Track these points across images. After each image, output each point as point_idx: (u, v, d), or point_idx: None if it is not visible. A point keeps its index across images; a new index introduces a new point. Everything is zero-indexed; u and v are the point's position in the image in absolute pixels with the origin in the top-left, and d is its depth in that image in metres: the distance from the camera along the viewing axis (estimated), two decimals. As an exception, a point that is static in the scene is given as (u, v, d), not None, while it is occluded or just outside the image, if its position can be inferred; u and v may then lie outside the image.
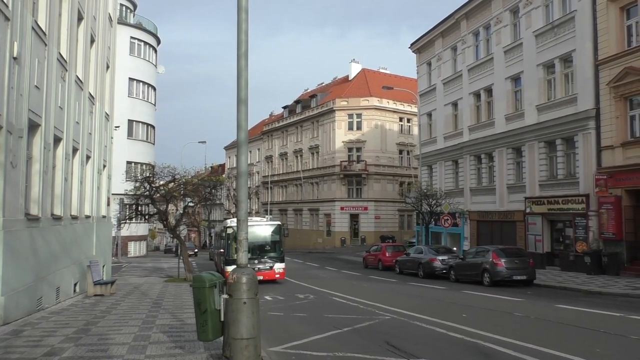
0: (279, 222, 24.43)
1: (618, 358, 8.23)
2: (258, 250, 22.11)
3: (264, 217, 31.48)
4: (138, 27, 49.26)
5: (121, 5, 46.36)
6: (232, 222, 21.73)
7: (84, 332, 9.92)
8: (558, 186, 25.00)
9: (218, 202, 63.25)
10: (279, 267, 22.19)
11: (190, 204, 28.53)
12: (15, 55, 10.94)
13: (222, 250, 25.07)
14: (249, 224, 23.44)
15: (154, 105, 51.97)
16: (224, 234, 22.95)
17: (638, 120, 21.11)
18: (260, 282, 19.95)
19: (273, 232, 23.03)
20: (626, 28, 21.70)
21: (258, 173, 71.49)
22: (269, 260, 22.03)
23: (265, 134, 70.32)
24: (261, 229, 22.93)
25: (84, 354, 8.01)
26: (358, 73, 61.59)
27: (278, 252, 22.58)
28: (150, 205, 25.41)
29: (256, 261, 21.30)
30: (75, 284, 16.79)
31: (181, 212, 27.52)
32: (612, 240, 21.57)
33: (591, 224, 22.67)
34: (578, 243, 23.25)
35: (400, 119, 56.84)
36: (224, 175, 68.70)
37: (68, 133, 15.93)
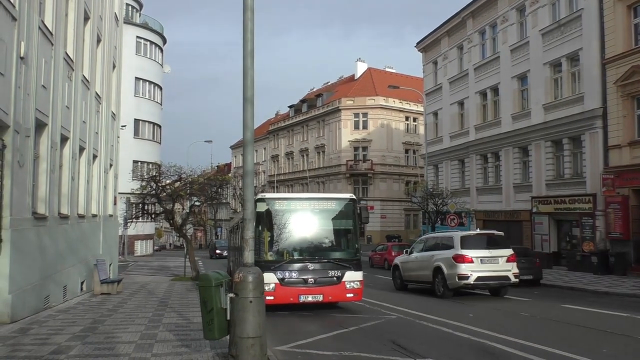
0: (351, 196, 13.60)
1: (625, 358, 8.19)
2: (310, 247, 12.91)
3: None
4: (144, 26, 49.38)
5: (127, 4, 46.46)
6: (265, 194, 13.57)
7: (90, 330, 9.95)
8: (565, 186, 24.90)
9: (224, 201, 63.38)
10: (352, 278, 12.55)
11: (197, 203, 28.58)
12: (22, 55, 11.00)
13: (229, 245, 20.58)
14: (293, 196, 16.45)
15: (160, 104, 52.12)
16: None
17: (646, 119, 21.02)
18: (319, 305, 12.80)
19: (340, 213, 13.17)
20: (633, 27, 21.57)
21: (264, 172, 71.57)
22: (333, 266, 12.53)
23: (271, 133, 70.38)
24: (315, 206, 13.29)
25: (91, 352, 8.04)
26: (364, 72, 61.53)
27: (349, 251, 13.15)
28: (156, 204, 25.48)
29: (309, 265, 12.37)
30: (82, 283, 16.86)
31: (187, 211, 27.58)
32: (619, 240, 21.46)
33: (598, 224, 22.56)
34: (585, 243, 23.14)
35: (406, 118, 56.77)
36: (230, 175, 68.82)
37: (75, 132, 15.99)
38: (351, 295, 12.65)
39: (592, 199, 22.83)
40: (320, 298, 12.37)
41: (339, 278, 12.45)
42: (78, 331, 9.83)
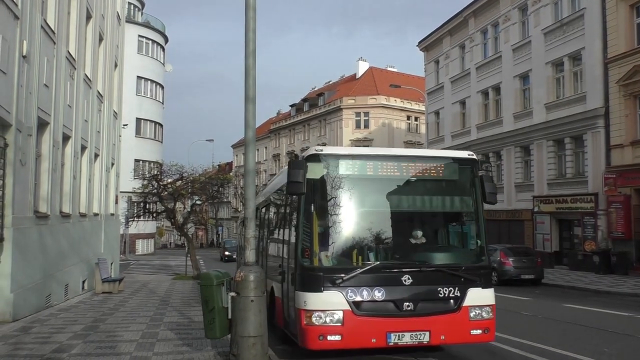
0: (470, 155, 7.82)
1: (627, 358, 8.18)
2: (403, 244, 7.52)
3: None
4: (146, 25, 49.43)
5: (129, 3, 46.50)
6: (321, 148, 7.37)
7: (92, 329, 9.97)
8: (566, 185, 24.87)
9: (225, 200, 63.42)
10: (480, 300, 7.29)
11: (198, 202, 28.59)
12: (24, 53, 11.01)
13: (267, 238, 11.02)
14: (371, 153, 8.15)
15: (162, 103, 52.18)
16: (298, 179, 6.85)
17: (648, 118, 20.98)
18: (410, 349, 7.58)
19: (452, 184, 7.89)
20: (636, 26, 21.54)
21: (265, 171, 71.57)
22: (445, 279, 7.12)
23: (272, 132, 70.38)
24: (410, 172, 7.58)
25: (92, 350, 8.06)
26: (365, 71, 61.47)
27: (470, 251, 7.80)
28: (158, 203, 25.52)
29: (404, 277, 6.95)
30: (83, 282, 16.88)
31: (189, 210, 27.60)
32: (621, 240, 21.43)
33: (600, 223, 22.54)
34: (586, 242, 23.12)
35: (408, 118, 56.72)
36: (231, 174, 68.92)
37: (77, 131, 16.01)
38: (478, 332, 7.21)
39: (594, 199, 22.80)
40: (425, 338, 6.92)
41: (457, 300, 7.12)
42: (79, 330, 9.85)
